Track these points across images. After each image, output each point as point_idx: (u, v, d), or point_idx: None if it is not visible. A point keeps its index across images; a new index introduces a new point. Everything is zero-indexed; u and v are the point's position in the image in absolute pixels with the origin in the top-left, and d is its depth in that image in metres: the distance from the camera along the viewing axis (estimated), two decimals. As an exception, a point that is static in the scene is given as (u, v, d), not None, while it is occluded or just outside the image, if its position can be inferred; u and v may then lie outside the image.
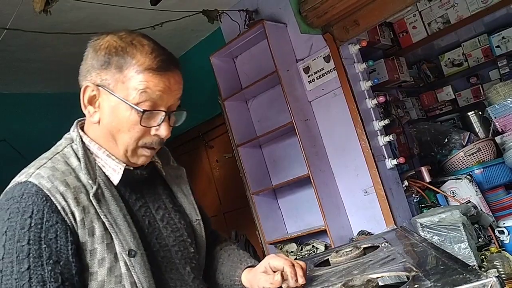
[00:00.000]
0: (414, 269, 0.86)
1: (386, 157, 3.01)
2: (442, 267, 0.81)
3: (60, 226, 0.89)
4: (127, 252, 0.94)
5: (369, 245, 1.34)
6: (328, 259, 1.28)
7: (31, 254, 0.85)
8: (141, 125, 0.97)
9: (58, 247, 0.88)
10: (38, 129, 4.08)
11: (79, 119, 1.15)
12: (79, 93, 1.02)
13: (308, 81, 3.21)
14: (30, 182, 0.91)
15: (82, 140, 1.04)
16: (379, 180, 2.87)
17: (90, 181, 0.96)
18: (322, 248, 3.03)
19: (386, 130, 3.10)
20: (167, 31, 3.47)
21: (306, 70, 3.21)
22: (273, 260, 1.05)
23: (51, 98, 4.34)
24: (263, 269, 1.07)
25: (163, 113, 0.99)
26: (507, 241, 2.83)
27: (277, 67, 3.05)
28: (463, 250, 2.65)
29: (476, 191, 3.11)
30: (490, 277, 0.67)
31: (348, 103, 2.98)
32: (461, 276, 0.72)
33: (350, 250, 1.23)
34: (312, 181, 2.94)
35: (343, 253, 1.23)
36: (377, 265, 0.99)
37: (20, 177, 0.95)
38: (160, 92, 0.97)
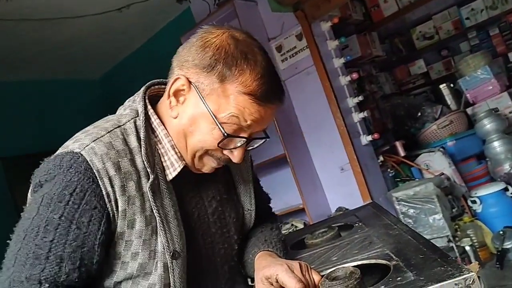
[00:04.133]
0: (394, 257, 0.85)
1: (361, 133, 3.03)
2: (421, 256, 0.80)
3: (97, 213, 0.83)
4: (171, 254, 0.88)
5: (342, 223, 1.34)
6: (303, 240, 1.26)
7: (58, 230, 0.81)
8: (218, 146, 0.89)
9: (87, 232, 0.82)
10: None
11: (149, 83, 1.02)
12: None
13: (281, 60, 3.18)
14: (81, 155, 0.84)
15: (147, 118, 0.94)
16: (355, 157, 2.89)
17: (149, 169, 0.88)
18: (301, 226, 3.06)
19: (360, 107, 3.11)
20: (134, 14, 3.38)
21: (279, 49, 3.17)
22: (283, 276, 0.88)
23: (14, 87, 4.19)
24: (268, 275, 0.92)
25: (244, 139, 0.91)
26: (479, 210, 2.91)
27: (249, 46, 2.99)
28: (437, 221, 2.72)
29: (449, 163, 3.18)
30: (471, 272, 0.66)
31: (321, 81, 2.97)
32: (442, 268, 0.72)
33: (325, 231, 1.21)
34: (288, 160, 2.95)
35: (318, 234, 1.22)
36: (354, 250, 0.98)
37: (73, 144, 0.87)
38: (251, 121, 0.88)
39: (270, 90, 0.88)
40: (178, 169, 0.93)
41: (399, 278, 0.74)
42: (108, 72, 4.75)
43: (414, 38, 4.52)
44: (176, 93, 0.91)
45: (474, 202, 2.92)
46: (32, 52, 3.66)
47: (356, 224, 1.23)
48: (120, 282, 0.90)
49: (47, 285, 0.79)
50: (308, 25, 3.01)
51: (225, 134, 0.87)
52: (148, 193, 0.87)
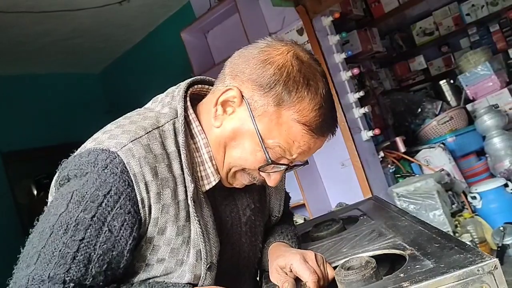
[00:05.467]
0: (408, 247, 0.83)
1: (362, 129, 3.03)
2: (437, 245, 0.79)
3: (130, 218, 0.79)
4: (207, 266, 0.86)
5: (346, 217, 1.33)
6: (307, 233, 1.25)
7: (89, 230, 0.77)
8: (258, 169, 0.86)
9: (118, 236, 0.78)
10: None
11: (192, 80, 0.95)
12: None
13: (282, 55, 3.16)
14: (118, 156, 0.79)
15: (187, 122, 0.88)
16: (356, 152, 2.89)
17: (190, 177, 0.83)
18: (301, 221, 3.05)
19: (361, 102, 3.11)
20: (134, 7, 3.36)
21: (280, 43, 3.16)
22: (298, 266, 0.86)
23: (15, 81, 4.17)
24: (283, 264, 0.90)
25: (285, 166, 0.86)
26: (479, 206, 2.91)
27: (250, 41, 2.97)
28: (437, 217, 2.72)
29: (449, 159, 3.18)
30: (493, 258, 0.65)
31: (322, 76, 2.95)
32: (461, 256, 0.70)
33: (330, 224, 1.20)
34: (289, 155, 2.94)
35: (323, 227, 1.20)
36: (364, 242, 0.97)
37: (110, 142, 0.82)
38: (297, 154, 0.84)
39: (326, 123, 0.83)
40: (213, 183, 0.90)
41: (418, 266, 0.73)
42: (109, 66, 4.73)
43: (414, 34, 4.51)
44: (225, 103, 0.86)
45: (474, 198, 2.92)
46: (33, 46, 3.64)
47: (361, 217, 1.22)
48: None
49: (71, 284, 0.75)
50: (309, 20, 3.00)
51: (270, 160, 0.83)
52: (190, 203, 0.83)
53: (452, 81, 3.87)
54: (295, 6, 3.04)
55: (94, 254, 0.77)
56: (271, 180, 0.88)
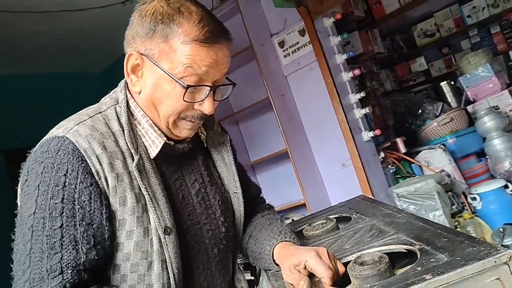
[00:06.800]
0: (415, 242, 0.82)
1: (363, 129, 3.04)
2: (445, 239, 0.78)
3: (95, 189, 0.86)
4: (163, 229, 0.91)
5: (337, 215, 1.32)
6: (301, 232, 1.25)
7: (64, 213, 0.82)
8: (184, 101, 0.93)
9: (91, 210, 0.85)
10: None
11: None
12: (122, 60, 0.96)
13: (284, 56, 3.18)
14: (67, 138, 0.88)
15: (127, 104, 0.99)
16: (356, 153, 2.90)
17: (133, 150, 0.92)
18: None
19: (362, 103, 3.11)
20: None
21: (281, 44, 3.17)
22: (313, 262, 0.87)
23: (16, 80, 4.18)
24: (297, 262, 0.91)
25: (208, 88, 0.94)
26: (479, 207, 2.92)
27: (252, 42, 3.00)
28: (438, 217, 2.73)
29: (450, 160, 3.19)
30: (508, 250, 0.65)
31: (324, 76, 2.97)
32: (474, 249, 0.70)
33: (324, 223, 1.20)
34: (290, 155, 2.95)
35: (317, 226, 1.20)
36: (366, 238, 0.96)
37: (57, 130, 0.91)
38: (206, 67, 0.91)
39: (212, 31, 0.91)
40: (160, 145, 0.98)
41: (432, 259, 0.72)
42: (110, 65, 4.74)
43: (415, 36, 4.53)
44: (134, 70, 0.96)
45: (474, 199, 2.93)
46: (34, 45, 3.65)
47: (354, 216, 1.21)
48: (119, 266, 0.91)
49: (69, 271, 0.79)
50: (311, 21, 3.00)
51: (185, 85, 0.90)
52: (135, 172, 0.90)
53: (452, 83, 3.88)
54: (297, 7, 3.05)
55: (77, 233, 0.82)
56: (205, 108, 0.96)
